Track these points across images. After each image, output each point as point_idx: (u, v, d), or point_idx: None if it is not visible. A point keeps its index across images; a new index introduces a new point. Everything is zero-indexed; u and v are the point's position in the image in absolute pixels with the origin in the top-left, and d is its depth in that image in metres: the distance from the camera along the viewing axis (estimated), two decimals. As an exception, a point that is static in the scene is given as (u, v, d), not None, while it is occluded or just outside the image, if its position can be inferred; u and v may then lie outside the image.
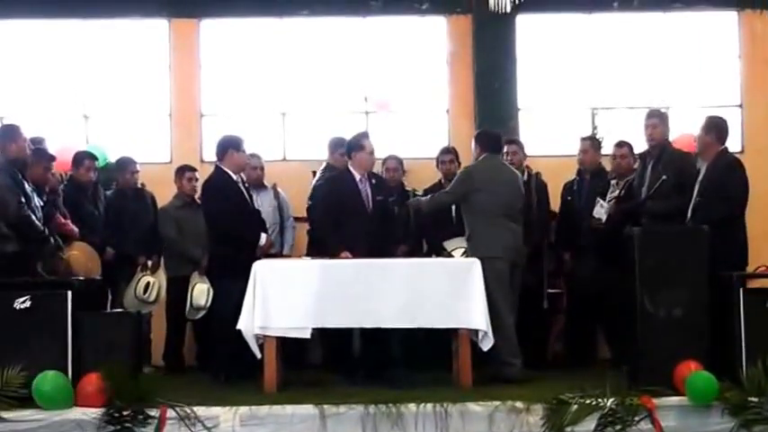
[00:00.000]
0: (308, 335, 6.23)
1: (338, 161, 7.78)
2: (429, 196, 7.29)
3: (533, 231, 7.30)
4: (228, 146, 6.99)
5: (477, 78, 9.04)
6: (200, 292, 7.49)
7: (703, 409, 5.44)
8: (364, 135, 7.20)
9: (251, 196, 7.21)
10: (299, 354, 7.23)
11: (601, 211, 7.29)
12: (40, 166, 6.70)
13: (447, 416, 5.37)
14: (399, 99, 9.11)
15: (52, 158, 6.96)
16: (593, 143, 8.00)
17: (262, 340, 6.20)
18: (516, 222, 6.87)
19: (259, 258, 6.60)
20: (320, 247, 7.23)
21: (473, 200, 6.81)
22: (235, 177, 6.98)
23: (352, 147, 7.05)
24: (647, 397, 5.44)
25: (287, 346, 6.49)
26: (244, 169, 7.20)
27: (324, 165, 8.00)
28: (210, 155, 8.31)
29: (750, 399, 5.42)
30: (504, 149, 7.59)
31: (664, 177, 6.58)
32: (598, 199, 7.37)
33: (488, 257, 6.52)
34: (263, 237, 6.92)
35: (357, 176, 6.98)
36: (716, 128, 6.58)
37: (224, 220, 6.81)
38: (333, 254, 6.66)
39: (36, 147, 6.85)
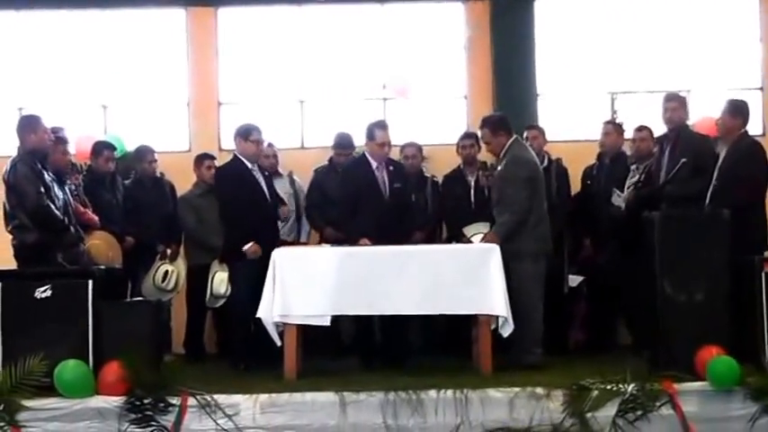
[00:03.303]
0: (327, 322, 6.22)
1: (337, 157, 7.84)
2: (504, 220, 6.55)
3: (554, 218, 7.26)
4: (236, 134, 7.05)
5: (495, 63, 8.99)
6: (221, 280, 7.48)
7: (725, 393, 5.40)
8: (379, 125, 7.05)
9: (270, 185, 7.18)
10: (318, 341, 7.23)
11: (618, 199, 7.23)
12: (57, 151, 6.69)
13: (467, 402, 5.34)
14: (417, 85, 9.07)
15: (66, 141, 6.96)
16: (615, 126, 7.95)
17: (281, 328, 6.21)
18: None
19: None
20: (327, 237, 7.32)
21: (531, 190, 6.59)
22: (249, 165, 6.97)
23: (366, 135, 7.00)
24: (669, 382, 5.39)
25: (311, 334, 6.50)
26: (257, 158, 7.12)
27: (326, 163, 8.05)
28: (228, 143, 8.34)
29: (772, 383, 5.39)
30: (525, 135, 7.55)
31: (683, 161, 6.49)
32: (614, 189, 7.32)
33: (536, 255, 6.48)
34: (250, 243, 6.75)
35: (374, 164, 6.95)
36: (737, 111, 6.52)
37: (231, 206, 6.88)
38: (352, 241, 6.65)
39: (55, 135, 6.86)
